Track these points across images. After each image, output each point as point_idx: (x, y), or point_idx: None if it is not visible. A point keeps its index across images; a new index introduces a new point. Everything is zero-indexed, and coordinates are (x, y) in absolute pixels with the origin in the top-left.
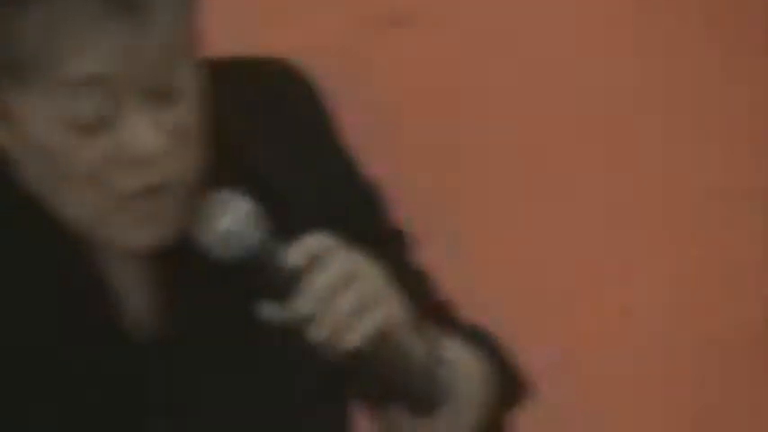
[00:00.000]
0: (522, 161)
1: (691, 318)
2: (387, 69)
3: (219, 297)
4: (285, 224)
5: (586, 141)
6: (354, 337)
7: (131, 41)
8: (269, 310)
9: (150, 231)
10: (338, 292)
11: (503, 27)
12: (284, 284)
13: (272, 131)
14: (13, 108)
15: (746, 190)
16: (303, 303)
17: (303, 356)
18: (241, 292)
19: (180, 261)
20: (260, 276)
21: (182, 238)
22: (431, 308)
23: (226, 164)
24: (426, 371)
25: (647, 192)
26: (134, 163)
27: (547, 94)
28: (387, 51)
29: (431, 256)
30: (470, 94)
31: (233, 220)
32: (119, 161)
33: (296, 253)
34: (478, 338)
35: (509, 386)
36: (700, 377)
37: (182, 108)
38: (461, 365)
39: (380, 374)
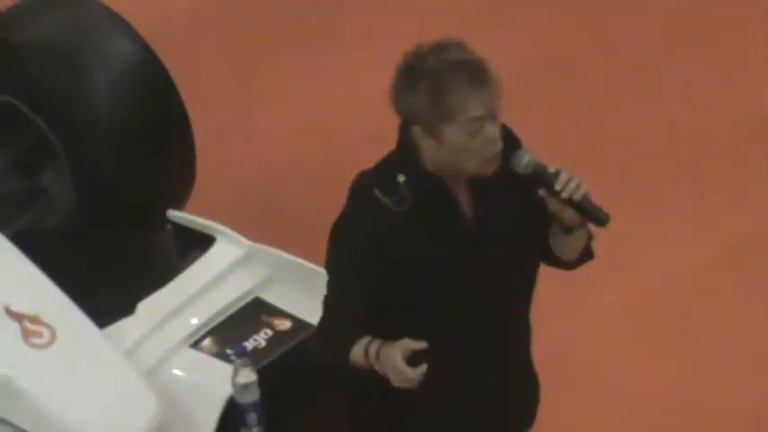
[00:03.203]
0: None
1: None
2: None
3: (495, 196)
4: None
5: None
6: (578, 194)
7: (488, 94)
8: (542, 192)
9: (491, 170)
10: (571, 177)
11: None
12: (552, 178)
13: None
14: (442, 132)
15: None
16: (561, 184)
17: (530, 227)
18: (506, 191)
19: (479, 184)
20: (538, 178)
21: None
22: None
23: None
24: (600, 209)
25: None
26: (492, 142)
27: None
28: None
29: None
30: None
31: (528, 157)
32: (487, 142)
33: (552, 167)
34: None
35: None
36: None
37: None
38: None
39: (589, 207)
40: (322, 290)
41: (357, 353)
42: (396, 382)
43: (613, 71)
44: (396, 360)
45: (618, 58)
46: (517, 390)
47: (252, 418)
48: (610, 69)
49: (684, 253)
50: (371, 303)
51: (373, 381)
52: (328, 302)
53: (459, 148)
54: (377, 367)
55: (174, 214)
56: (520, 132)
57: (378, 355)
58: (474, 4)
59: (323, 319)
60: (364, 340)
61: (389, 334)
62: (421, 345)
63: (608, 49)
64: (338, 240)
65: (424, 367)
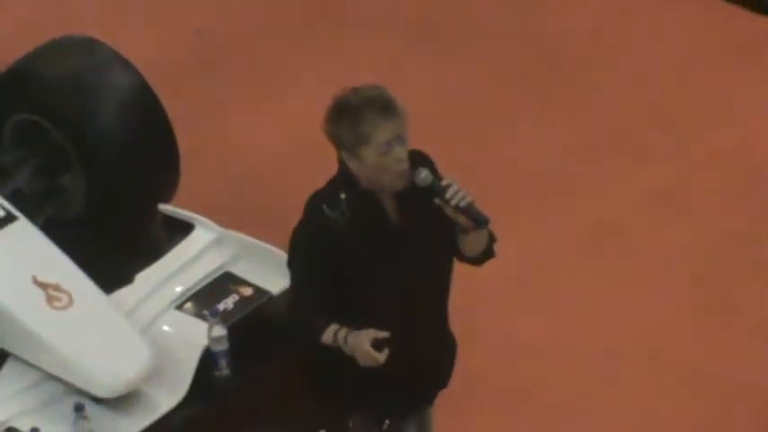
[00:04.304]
0: None
1: None
2: None
3: (417, 206)
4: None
5: None
6: (465, 202)
7: (394, 123)
8: (437, 201)
9: (402, 183)
10: (458, 189)
11: None
12: (443, 190)
13: None
14: (360, 153)
15: None
16: (451, 194)
17: (444, 229)
18: (425, 204)
19: (402, 195)
20: (433, 190)
21: (402, 189)
22: None
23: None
24: (482, 214)
25: None
26: (400, 161)
27: None
28: None
29: None
30: None
31: (425, 173)
32: (395, 161)
33: (445, 180)
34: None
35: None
36: None
37: (408, 143)
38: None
39: (473, 213)
40: (276, 265)
41: (327, 337)
42: (363, 362)
43: (508, 100)
44: (365, 346)
45: (511, 89)
46: (440, 352)
47: (222, 363)
48: (505, 98)
49: (557, 233)
50: (328, 293)
51: (328, 353)
52: (295, 296)
53: (375, 165)
54: (344, 349)
55: (162, 207)
56: (436, 147)
57: (346, 341)
58: (399, 47)
59: (293, 309)
60: (333, 327)
61: (343, 315)
62: (384, 334)
63: (503, 82)
64: (296, 246)
65: (386, 351)
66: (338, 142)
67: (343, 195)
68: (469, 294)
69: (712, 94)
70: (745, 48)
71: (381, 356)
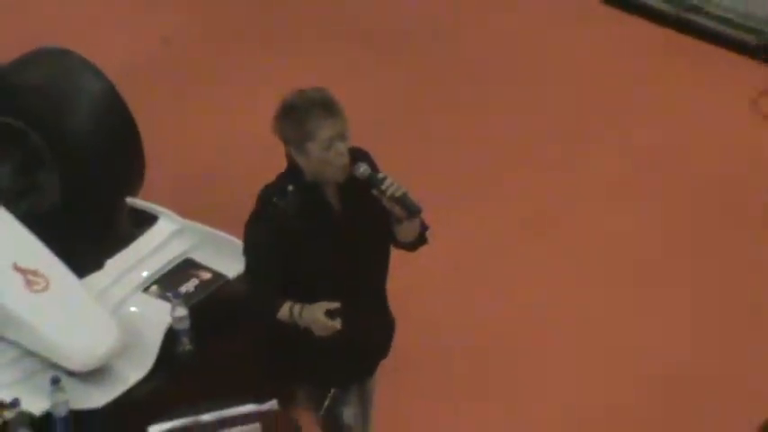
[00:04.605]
0: None
1: None
2: None
3: (357, 197)
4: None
5: None
6: (399, 193)
7: (336, 121)
8: (374, 191)
9: (343, 176)
10: (393, 182)
11: None
12: (379, 182)
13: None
14: (306, 148)
15: None
16: (386, 186)
17: (382, 218)
18: (364, 193)
19: (344, 187)
20: (371, 182)
21: (344, 180)
22: None
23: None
24: (414, 204)
25: None
26: (341, 155)
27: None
28: None
29: None
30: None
31: (364, 167)
32: (337, 155)
33: (381, 173)
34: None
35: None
36: None
37: (348, 140)
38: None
39: (406, 203)
40: (232, 252)
41: (282, 313)
42: (318, 332)
43: (428, 103)
44: (319, 316)
45: (434, 92)
46: (381, 327)
47: (184, 339)
48: (426, 102)
49: (489, 224)
50: (280, 276)
51: (283, 329)
52: (251, 279)
53: (320, 159)
54: (299, 323)
55: (129, 200)
56: (377, 146)
57: (301, 315)
58: (346, 59)
59: (250, 291)
60: (287, 305)
61: (295, 295)
62: (335, 305)
63: (428, 87)
64: (249, 235)
65: (339, 320)
66: (286, 139)
67: (290, 188)
68: (407, 279)
69: (631, 98)
70: (661, 56)
71: (336, 323)
